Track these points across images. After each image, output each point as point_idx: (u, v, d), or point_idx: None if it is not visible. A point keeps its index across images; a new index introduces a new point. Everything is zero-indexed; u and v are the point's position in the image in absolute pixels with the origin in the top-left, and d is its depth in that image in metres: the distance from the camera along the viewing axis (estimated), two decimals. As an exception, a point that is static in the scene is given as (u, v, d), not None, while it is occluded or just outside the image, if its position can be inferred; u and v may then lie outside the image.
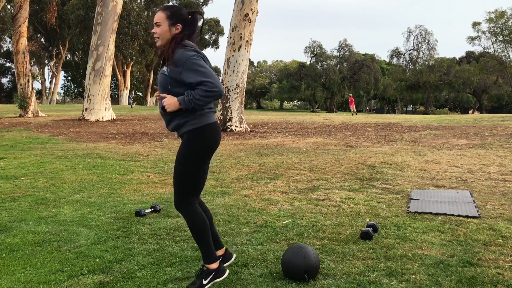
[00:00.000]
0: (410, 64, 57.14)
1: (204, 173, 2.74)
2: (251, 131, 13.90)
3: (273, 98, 74.11)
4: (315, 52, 58.14)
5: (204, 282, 2.73)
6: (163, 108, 2.66)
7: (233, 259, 3.04)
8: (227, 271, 2.89)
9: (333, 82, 55.98)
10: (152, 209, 4.50)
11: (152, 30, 2.72)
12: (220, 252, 2.97)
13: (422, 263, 3.15)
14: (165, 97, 2.66)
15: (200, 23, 2.81)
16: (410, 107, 75.13)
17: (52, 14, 30.82)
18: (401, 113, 59.73)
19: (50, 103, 53.51)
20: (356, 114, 31.37)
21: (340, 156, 8.02)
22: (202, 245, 2.76)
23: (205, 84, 2.52)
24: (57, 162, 7.87)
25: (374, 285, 2.81)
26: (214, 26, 61.08)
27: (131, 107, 38.15)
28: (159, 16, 2.69)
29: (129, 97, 48.41)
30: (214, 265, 2.78)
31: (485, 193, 5.20)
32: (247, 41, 13.84)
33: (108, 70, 19.01)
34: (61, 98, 77.60)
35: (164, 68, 2.69)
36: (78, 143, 10.99)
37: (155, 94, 2.85)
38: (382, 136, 11.51)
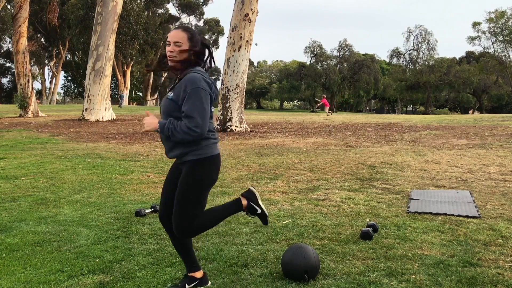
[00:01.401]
0: (410, 64, 57.13)
1: (205, 200, 2.72)
2: (251, 131, 13.90)
3: (273, 98, 74.08)
4: (315, 52, 58.14)
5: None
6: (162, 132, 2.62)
7: (208, 284, 2.88)
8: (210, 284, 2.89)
9: (333, 82, 55.97)
10: (152, 209, 4.50)
11: (169, 49, 2.63)
12: (198, 275, 2.84)
13: (422, 263, 3.15)
14: (147, 116, 2.64)
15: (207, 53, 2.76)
16: (410, 107, 75.11)
17: (54, 15, 30.79)
18: (401, 113, 59.71)
19: (50, 103, 53.51)
20: (331, 113, 29.92)
21: (340, 156, 8.02)
22: (186, 252, 2.81)
23: (192, 121, 2.49)
24: (57, 162, 7.87)
25: (374, 285, 2.81)
26: (214, 26, 61.11)
27: (120, 107, 35.82)
28: (181, 36, 2.62)
29: (120, 95, 45.24)
30: (199, 274, 2.81)
31: (485, 193, 5.20)
32: (247, 41, 13.84)
33: (108, 70, 19.01)
34: (61, 98, 77.60)
35: (170, 93, 2.65)
36: (78, 143, 10.99)
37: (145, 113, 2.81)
38: (382, 136, 11.51)
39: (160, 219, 2.82)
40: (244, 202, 2.85)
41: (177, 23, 58.91)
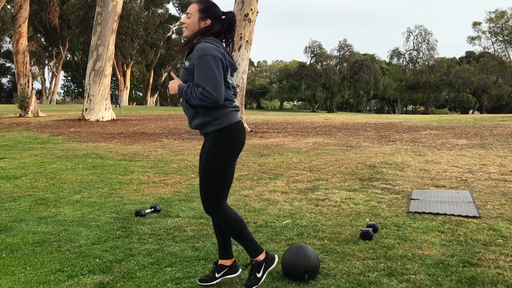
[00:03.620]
0: (410, 64, 57.15)
1: (232, 174, 2.69)
2: (251, 131, 13.90)
3: (273, 98, 74.11)
4: (315, 52, 58.16)
5: (259, 275, 2.73)
6: (186, 100, 2.62)
7: (238, 273, 2.87)
8: (276, 257, 2.87)
9: (333, 82, 56.00)
10: (152, 209, 4.50)
11: (182, 20, 2.73)
12: (227, 263, 2.83)
13: (422, 263, 3.15)
14: (174, 79, 2.66)
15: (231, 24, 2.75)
16: (410, 107, 75.10)
17: (55, 15, 30.80)
18: (401, 113, 59.73)
19: (50, 103, 53.48)
20: None
21: (340, 156, 8.02)
22: (244, 242, 2.73)
23: (205, 89, 2.49)
24: (57, 162, 7.87)
25: (374, 285, 2.81)
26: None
27: (119, 107, 34.23)
28: (192, 7, 2.69)
29: (116, 95, 42.25)
30: (262, 256, 2.76)
31: (485, 193, 5.20)
32: (247, 41, 13.84)
33: (108, 70, 19.00)
34: (61, 98, 77.56)
35: (185, 62, 2.66)
36: (78, 143, 10.99)
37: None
38: (382, 136, 11.51)
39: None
40: (262, 257, 2.76)
41: (177, 23, 58.93)
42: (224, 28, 2.72)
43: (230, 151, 2.63)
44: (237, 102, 2.65)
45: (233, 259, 2.87)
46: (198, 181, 2.83)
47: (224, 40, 2.75)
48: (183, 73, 2.65)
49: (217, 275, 2.79)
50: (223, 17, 2.72)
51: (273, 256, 2.86)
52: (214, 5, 2.73)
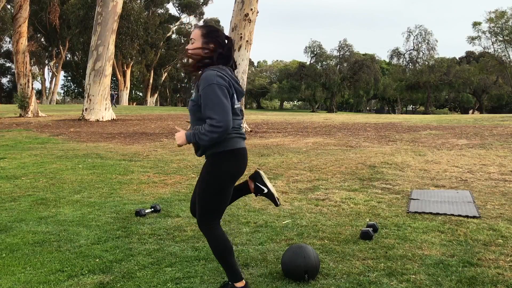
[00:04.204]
0: (410, 64, 57.13)
1: (229, 196, 2.67)
2: (251, 131, 13.90)
3: (273, 98, 74.08)
4: (315, 52, 58.14)
5: None
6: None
7: None
8: None
9: (333, 82, 55.97)
10: (152, 209, 4.50)
11: (186, 47, 2.68)
12: (240, 284, 2.70)
13: (422, 263, 3.15)
14: (178, 131, 2.65)
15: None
16: (410, 107, 75.10)
17: (55, 15, 30.80)
18: (401, 113, 59.69)
19: (50, 103, 53.47)
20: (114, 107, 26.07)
21: (340, 156, 8.02)
22: (226, 266, 2.68)
23: (211, 119, 2.46)
24: (57, 162, 7.87)
25: (374, 285, 2.81)
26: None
27: (114, 106, 33.63)
28: (195, 33, 2.67)
29: (111, 94, 42.04)
30: (240, 284, 2.67)
31: (485, 193, 5.20)
32: (247, 41, 13.84)
33: (108, 70, 19.00)
34: (61, 98, 77.56)
35: (193, 93, 2.65)
36: (78, 143, 10.99)
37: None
38: (382, 136, 11.51)
39: (191, 212, 2.93)
40: (240, 285, 2.69)
41: (177, 23, 58.96)
42: (229, 53, 2.68)
43: (228, 175, 2.60)
44: (243, 129, 2.66)
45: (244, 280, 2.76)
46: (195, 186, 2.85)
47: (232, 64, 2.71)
48: (191, 105, 2.63)
49: None
50: (226, 41, 2.69)
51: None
52: (217, 30, 2.73)
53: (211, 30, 2.68)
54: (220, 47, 2.64)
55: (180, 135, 2.61)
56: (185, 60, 2.70)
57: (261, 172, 2.97)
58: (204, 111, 2.50)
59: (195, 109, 2.59)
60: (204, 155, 2.69)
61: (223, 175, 2.59)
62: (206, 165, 2.65)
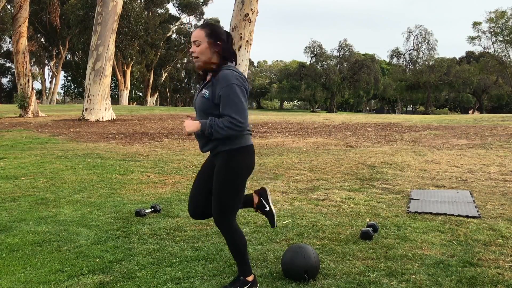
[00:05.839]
0: (410, 64, 57.10)
1: (243, 192, 2.74)
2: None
3: (273, 98, 74.07)
4: (315, 52, 58.11)
5: None
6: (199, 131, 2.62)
7: None
8: (258, 285, 2.85)
9: (333, 82, 55.94)
10: (152, 209, 4.50)
11: (191, 49, 2.66)
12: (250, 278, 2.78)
13: (422, 263, 3.15)
14: (190, 119, 2.64)
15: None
16: (410, 107, 75.08)
17: (56, 15, 30.80)
18: (401, 113, 59.69)
19: (50, 103, 53.46)
20: None
21: (340, 156, 8.02)
22: (241, 260, 2.74)
23: (232, 118, 2.51)
24: (57, 162, 7.87)
25: (374, 285, 2.81)
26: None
27: None
28: (198, 35, 2.63)
29: None
30: (250, 278, 2.75)
31: (485, 193, 5.20)
32: (247, 41, 13.83)
33: (108, 70, 18.99)
34: (61, 98, 77.53)
35: (204, 91, 2.64)
36: (78, 143, 10.99)
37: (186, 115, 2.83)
38: (382, 136, 11.51)
39: (191, 215, 2.89)
40: (250, 278, 2.76)
41: (177, 23, 58.95)
42: (232, 47, 2.73)
43: (247, 170, 2.68)
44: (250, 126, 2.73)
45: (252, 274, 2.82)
46: (193, 188, 2.85)
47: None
48: (203, 102, 2.63)
49: None
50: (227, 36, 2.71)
51: (257, 282, 2.82)
52: (219, 26, 2.74)
53: (214, 28, 2.69)
54: (225, 43, 2.67)
55: (192, 123, 2.61)
56: (196, 63, 2.68)
57: (268, 190, 3.04)
58: (224, 110, 2.54)
59: (207, 106, 2.60)
60: (209, 152, 2.71)
61: (242, 170, 2.66)
62: (219, 163, 2.66)
